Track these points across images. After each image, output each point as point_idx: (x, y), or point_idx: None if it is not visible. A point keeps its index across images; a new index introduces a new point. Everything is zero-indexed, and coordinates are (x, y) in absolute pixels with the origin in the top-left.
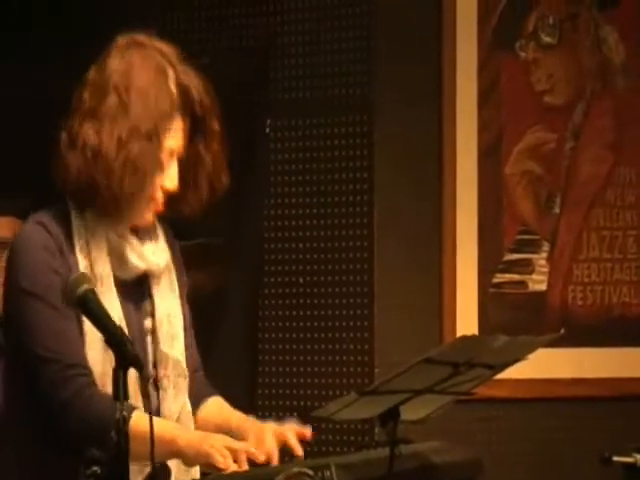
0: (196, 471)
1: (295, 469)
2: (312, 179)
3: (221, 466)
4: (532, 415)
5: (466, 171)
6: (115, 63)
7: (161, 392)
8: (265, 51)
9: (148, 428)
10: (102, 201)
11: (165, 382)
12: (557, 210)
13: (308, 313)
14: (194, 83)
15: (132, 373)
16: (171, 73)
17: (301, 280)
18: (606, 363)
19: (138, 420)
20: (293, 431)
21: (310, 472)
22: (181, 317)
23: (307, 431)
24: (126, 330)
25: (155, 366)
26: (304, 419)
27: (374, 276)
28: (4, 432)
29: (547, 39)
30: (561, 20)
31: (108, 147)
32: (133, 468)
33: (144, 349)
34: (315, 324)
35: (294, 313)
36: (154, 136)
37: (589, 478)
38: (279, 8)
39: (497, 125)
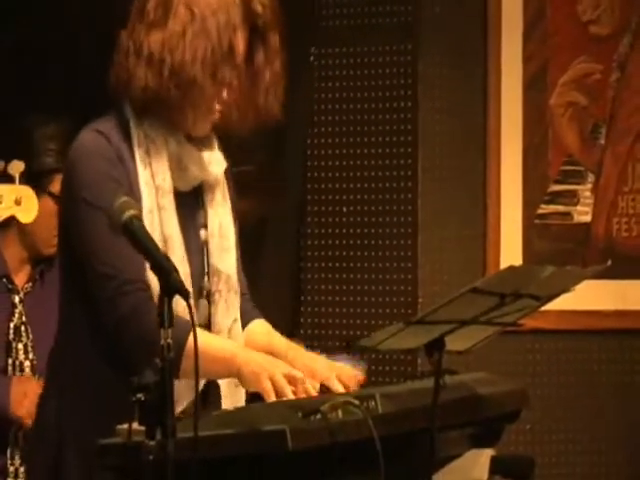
0: (242, 393)
1: (341, 399)
2: (356, 108)
3: (274, 399)
4: (576, 347)
5: (511, 102)
6: None
7: (212, 306)
8: None
9: (205, 346)
10: (170, 111)
11: (217, 296)
12: (602, 141)
13: (351, 243)
14: None
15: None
16: None
17: (344, 209)
18: None
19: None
20: (346, 375)
21: (356, 402)
22: (233, 231)
23: (360, 376)
24: (183, 244)
25: (209, 279)
26: (348, 349)
27: (417, 207)
28: (63, 348)
29: None
30: None
31: (191, 66)
32: (185, 384)
33: (200, 262)
34: (359, 254)
35: (337, 242)
36: (231, 52)
37: (635, 409)
38: None
39: (542, 56)
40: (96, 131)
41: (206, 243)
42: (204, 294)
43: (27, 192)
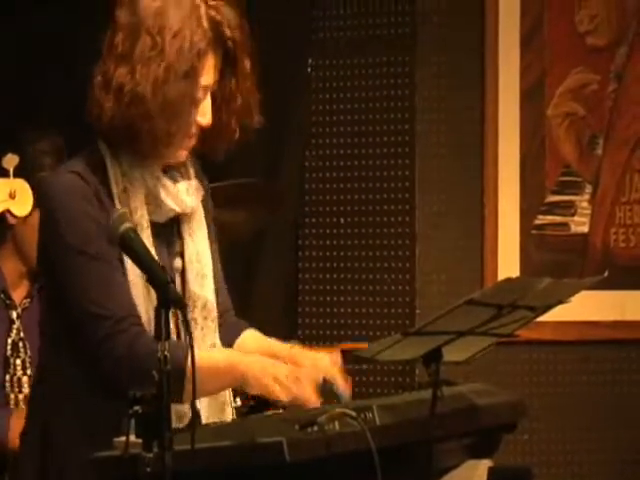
0: (229, 413)
1: (338, 410)
2: (353, 119)
3: (282, 399)
4: (574, 357)
5: (508, 113)
6: (146, 3)
7: (195, 327)
8: None
9: (205, 362)
10: (139, 142)
11: (192, 324)
12: (599, 151)
13: (349, 254)
14: (227, 19)
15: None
16: (203, 8)
17: (342, 220)
18: None
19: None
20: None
21: (352, 413)
22: (209, 257)
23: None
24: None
25: (188, 303)
26: (346, 360)
27: (415, 218)
28: (45, 382)
29: None
30: None
31: (145, 89)
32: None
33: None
34: (356, 265)
35: (334, 254)
36: (190, 75)
37: (632, 420)
38: None
39: (539, 66)
40: (71, 172)
41: (182, 271)
42: (180, 321)
43: (21, 185)
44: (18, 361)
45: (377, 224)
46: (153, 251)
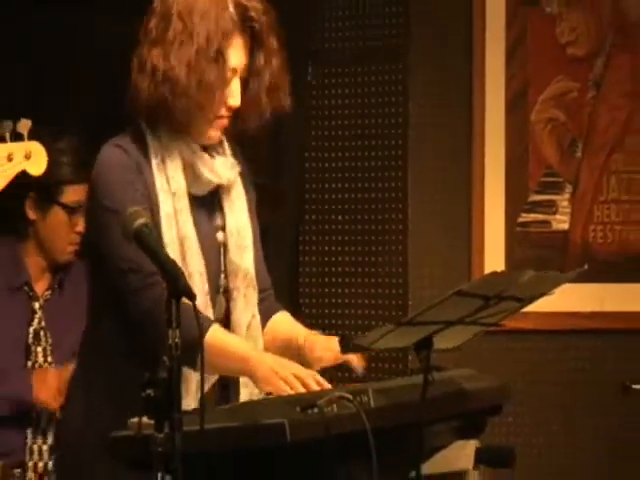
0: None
1: (336, 394)
2: (350, 123)
3: (284, 388)
4: (555, 346)
5: (494, 119)
6: None
7: (231, 303)
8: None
9: (223, 343)
10: (174, 119)
11: (235, 293)
12: (579, 154)
13: (346, 249)
14: (252, 3)
15: (202, 284)
16: None
17: (340, 218)
18: (624, 297)
19: (215, 334)
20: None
21: (349, 396)
22: (250, 231)
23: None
24: (199, 245)
25: (226, 277)
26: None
27: (408, 217)
28: (90, 345)
29: None
30: None
31: (178, 70)
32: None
33: (216, 261)
34: (352, 259)
35: (333, 249)
36: (219, 55)
37: (609, 405)
38: None
39: (523, 75)
40: (115, 145)
41: (223, 243)
42: (221, 291)
43: (36, 147)
44: (39, 349)
45: (372, 222)
46: (192, 223)
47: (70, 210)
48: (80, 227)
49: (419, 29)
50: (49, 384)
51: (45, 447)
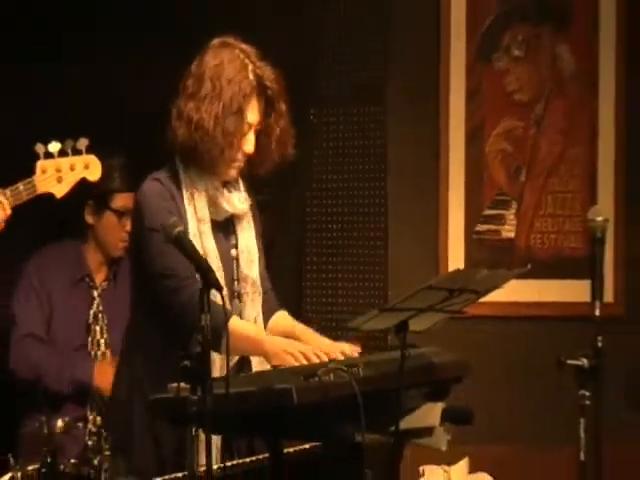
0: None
1: (332, 365)
2: (344, 152)
3: (291, 361)
4: (505, 329)
5: (456, 150)
6: (210, 59)
7: (242, 303)
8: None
9: (242, 329)
10: (202, 159)
11: (245, 297)
12: (523, 178)
13: (339, 259)
14: (267, 74)
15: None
16: (250, 66)
17: (334, 234)
18: (558, 291)
19: (236, 323)
20: (342, 349)
21: (344, 367)
22: (256, 249)
23: (356, 350)
24: (219, 258)
25: (239, 284)
26: (339, 330)
27: (388, 229)
28: (132, 331)
29: (516, 53)
30: (528, 38)
31: (207, 121)
32: (223, 359)
33: (231, 271)
34: (346, 262)
35: (331, 251)
36: (239, 112)
37: (547, 377)
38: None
39: (480, 116)
40: (154, 179)
41: (236, 258)
42: (236, 295)
43: (93, 159)
44: (97, 327)
45: (359, 238)
46: (213, 241)
47: (120, 214)
48: (128, 227)
49: (396, 80)
50: (107, 375)
51: (99, 419)
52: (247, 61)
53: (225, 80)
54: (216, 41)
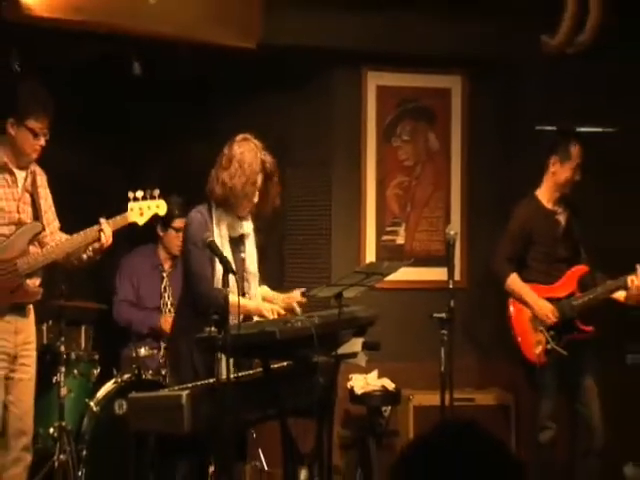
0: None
1: (296, 317)
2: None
3: (269, 316)
4: (397, 296)
5: (370, 194)
6: (235, 148)
7: (247, 285)
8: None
9: (243, 302)
10: (228, 205)
11: (246, 284)
12: (409, 209)
13: (305, 254)
14: (268, 159)
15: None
16: (259, 154)
17: (302, 245)
18: (428, 274)
19: (243, 298)
20: (295, 298)
21: (303, 318)
22: (256, 253)
23: (302, 299)
24: (232, 260)
25: (245, 274)
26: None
27: (331, 236)
28: (180, 313)
29: (405, 137)
30: (411, 129)
31: (235, 185)
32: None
33: (241, 268)
34: (308, 254)
35: (299, 252)
36: (254, 181)
37: (421, 324)
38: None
39: (383, 174)
40: (197, 211)
41: (243, 259)
42: (245, 280)
43: (162, 202)
44: (166, 294)
45: (318, 244)
46: (229, 249)
47: (177, 230)
48: (181, 238)
49: (339, 154)
50: (169, 323)
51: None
52: (257, 152)
53: (246, 163)
54: (240, 136)
